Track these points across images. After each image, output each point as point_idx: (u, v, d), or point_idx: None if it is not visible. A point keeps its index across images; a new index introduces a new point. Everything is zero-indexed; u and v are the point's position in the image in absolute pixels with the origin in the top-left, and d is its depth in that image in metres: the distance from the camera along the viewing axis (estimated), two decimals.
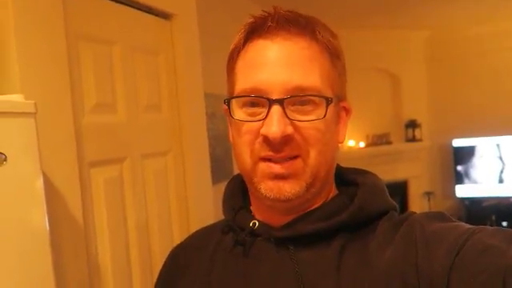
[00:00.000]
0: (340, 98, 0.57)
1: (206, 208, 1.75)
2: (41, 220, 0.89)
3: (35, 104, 0.89)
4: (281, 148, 0.51)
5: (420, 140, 4.08)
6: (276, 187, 0.51)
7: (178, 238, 1.63)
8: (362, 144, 3.94)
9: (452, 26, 3.82)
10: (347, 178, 0.61)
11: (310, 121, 0.51)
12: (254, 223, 0.57)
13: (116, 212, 1.36)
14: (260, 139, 0.51)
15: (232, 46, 0.57)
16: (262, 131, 0.50)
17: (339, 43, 0.56)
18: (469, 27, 3.83)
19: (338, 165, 0.63)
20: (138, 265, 1.44)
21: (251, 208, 0.61)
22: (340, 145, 0.60)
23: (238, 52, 0.56)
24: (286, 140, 0.50)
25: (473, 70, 4.09)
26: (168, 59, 1.67)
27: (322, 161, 0.53)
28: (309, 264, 0.52)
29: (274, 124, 0.49)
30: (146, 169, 1.52)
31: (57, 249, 1.07)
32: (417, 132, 4.07)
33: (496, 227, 0.46)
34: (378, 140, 4.01)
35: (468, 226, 0.48)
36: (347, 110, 0.60)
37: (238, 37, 0.56)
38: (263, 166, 0.52)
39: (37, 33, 1.08)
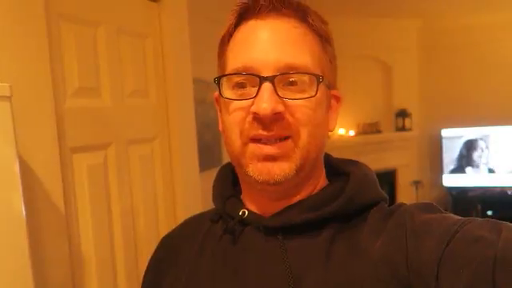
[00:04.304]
0: (331, 85, 0.56)
1: (193, 195, 1.72)
2: (17, 205, 0.85)
3: (10, 87, 0.84)
4: (271, 126, 0.49)
5: (410, 129, 4.09)
6: (265, 169, 0.50)
7: (164, 227, 1.60)
8: (352, 132, 3.94)
9: (445, 15, 3.79)
10: (338, 168, 0.60)
11: (301, 99, 0.50)
12: (244, 212, 0.57)
13: (100, 200, 1.33)
14: (250, 118, 0.50)
15: (224, 30, 0.56)
16: (253, 109, 0.49)
17: (330, 30, 0.56)
18: (462, 17, 3.81)
19: (329, 155, 0.62)
20: (122, 255, 1.42)
21: (241, 197, 0.61)
22: (330, 133, 0.60)
23: (230, 35, 0.55)
24: (277, 118, 0.49)
25: (464, 60, 4.09)
26: (155, 43, 1.62)
27: (313, 143, 0.52)
28: (298, 253, 0.52)
29: (265, 100, 0.48)
30: (132, 155, 1.48)
31: (36, 237, 1.04)
32: (407, 121, 4.08)
33: (485, 218, 0.46)
34: (369, 129, 4.01)
35: (457, 217, 0.48)
36: (337, 99, 0.59)
37: (229, 20, 0.55)
38: (252, 147, 0.51)
39: (14, 12, 1.02)
